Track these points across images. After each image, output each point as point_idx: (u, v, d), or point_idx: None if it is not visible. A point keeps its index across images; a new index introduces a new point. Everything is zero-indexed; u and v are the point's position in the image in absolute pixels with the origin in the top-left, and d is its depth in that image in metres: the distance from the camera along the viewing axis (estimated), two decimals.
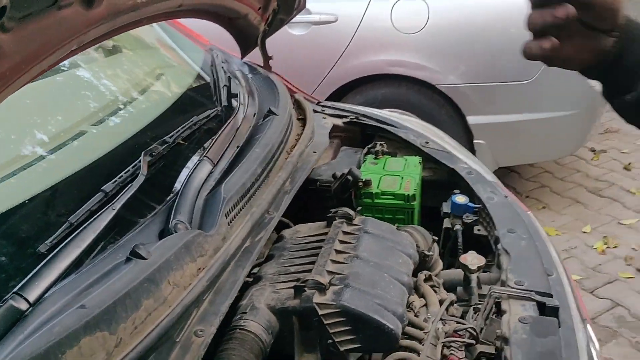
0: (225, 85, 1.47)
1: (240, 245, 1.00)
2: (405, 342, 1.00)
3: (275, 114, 1.36)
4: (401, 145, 1.66)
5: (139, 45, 1.66)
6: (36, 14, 0.70)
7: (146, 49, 1.70)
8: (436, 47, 2.83)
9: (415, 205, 1.42)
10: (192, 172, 1.07)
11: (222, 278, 0.94)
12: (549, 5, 0.66)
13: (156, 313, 0.80)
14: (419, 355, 0.97)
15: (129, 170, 1.04)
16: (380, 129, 1.69)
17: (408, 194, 1.41)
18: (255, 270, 1.07)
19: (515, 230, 1.23)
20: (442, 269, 1.29)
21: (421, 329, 1.03)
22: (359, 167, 1.55)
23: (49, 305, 0.74)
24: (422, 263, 1.22)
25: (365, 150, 1.63)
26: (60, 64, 0.93)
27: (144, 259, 0.85)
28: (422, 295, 1.14)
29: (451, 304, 1.13)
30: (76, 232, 0.87)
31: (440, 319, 1.06)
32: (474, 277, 1.19)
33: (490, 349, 0.99)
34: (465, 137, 2.90)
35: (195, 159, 1.16)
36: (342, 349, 0.94)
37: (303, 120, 1.54)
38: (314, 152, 1.44)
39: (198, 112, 1.33)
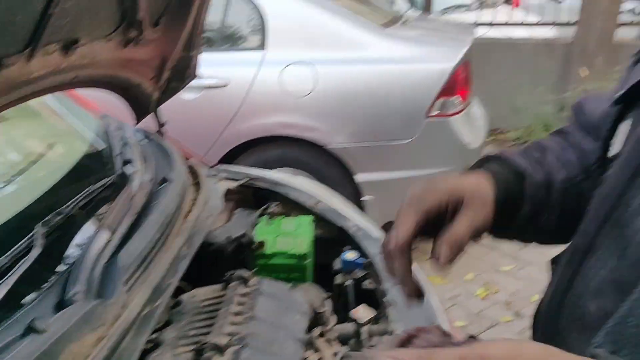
0: (119, 153, 1.50)
1: (140, 312, 1.02)
2: None
3: (171, 181, 1.40)
4: (294, 206, 1.74)
5: (29, 114, 1.65)
6: None
7: (37, 117, 1.69)
8: (324, 110, 2.99)
9: (308, 263, 1.50)
10: (89, 242, 1.08)
11: (122, 346, 0.95)
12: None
13: None
14: None
15: (23, 243, 1.04)
16: (273, 190, 1.77)
17: (301, 254, 1.48)
18: (154, 336, 1.09)
19: None
20: (336, 324, 1.36)
21: None
22: (253, 228, 1.61)
23: None
24: (316, 319, 1.28)
25: (259, 211, 1.69)
26: None
27: (41, 332, 0.85)
28: (316, 350, 1.20)
29: (344, 356, 1.19)
30: None
31: None
32: (364, 329, 1.27)
33: None
34: (354, 194, 3.04)
35: (92, 228, 1.17)
36: None
37: (197, 185, 1.58)
38: (209, 216, 1.48)
39: (93, 180, 1.35)
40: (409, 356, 0.48)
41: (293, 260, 1.49)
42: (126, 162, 1.51)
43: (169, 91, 1.72)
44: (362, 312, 1.28)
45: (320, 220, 1.67)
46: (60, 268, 1.06)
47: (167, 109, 1.82)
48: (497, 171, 0.74)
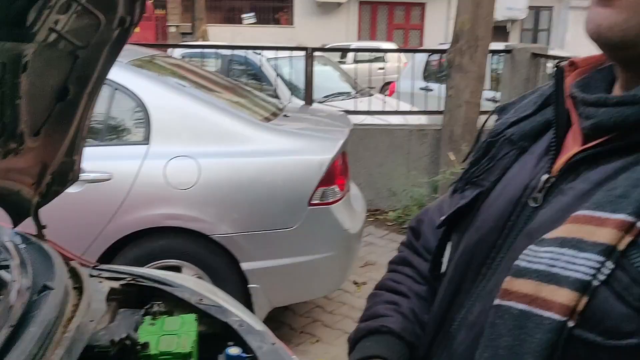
0: None
1: None
2: None
3: (51, 288, 1.40)
4: (178, 304, 1.77)
5: None
6: None
7: None
8: (208, 201, 3.06)
9: None
10: None
11: None
12: None
13: None
14: None
15: None
16: (156, 289, 1.80)
17: (185, 352, 1.52)
18: None
19: None
20: None
21: None
22: (137, 329, 1.62)
23: None
24: None
25: (143, 311, 1.71)
26: None
27: None
28: None
29: None
30: None
31: None
32: None
33: None
34: (241, 282, 3.09)
35: None
36: None
37: (79, 289, 1.59)
38: (91, 320, 1.49)
39: None
40: None
41: None
42: (2, 269, 1.49)
43: (49, 195, 1.74)
44: None
45: (204, 317, 1.72)
46: None
47: (47, 205, 1.82)
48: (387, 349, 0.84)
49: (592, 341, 0.57)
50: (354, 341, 0.88)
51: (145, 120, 3.09)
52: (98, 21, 1.16)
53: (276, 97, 6.13)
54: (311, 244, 3.18)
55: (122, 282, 1.82)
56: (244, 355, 1.58)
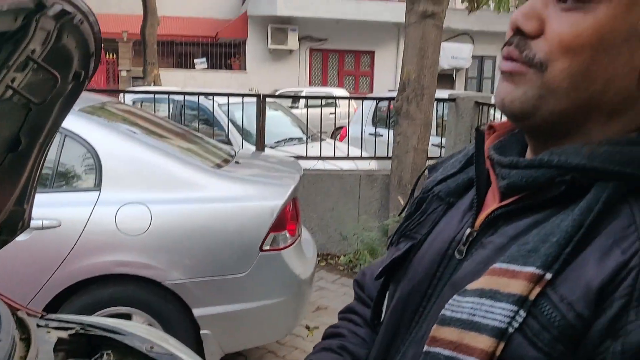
0: None
1: None
2: None
3: None
4: (128, 352, 1.77)
5: None
6: None
7: None
8: (160, 247, 3.06)
9: None
10: None
11: None
12: None
13: None
14: None
15: None
16: (106, 338, 1.79)
17: None
18: None
19: None
20: None
21: None
22: None
23: None
24: None
25: None
26: None
27: None
28: None
29: None
30: None
31: None
32: None
33: None
34: (192, 329, 3.08)
35: None
36: None
37: (27, 340, 1.58)
38: None
39: None
40: None
41: None
42: None
43: None
44: None
45: None
46: None
47: None
48: None
49: None
50: None
51: (97, 167, 3.10)
52: (54, 77, 1.20)
53: (228, 142, 6.19)
54: (262, 290, 3.20)
55: (70, 331, 1.81)
56: None
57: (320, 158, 6.01)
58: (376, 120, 8.19)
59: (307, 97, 9.42)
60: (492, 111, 5.89)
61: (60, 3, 1.07)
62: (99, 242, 3.02)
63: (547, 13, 0.69)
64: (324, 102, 7.76)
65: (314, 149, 6.26)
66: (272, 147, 6.50)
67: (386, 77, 19.95)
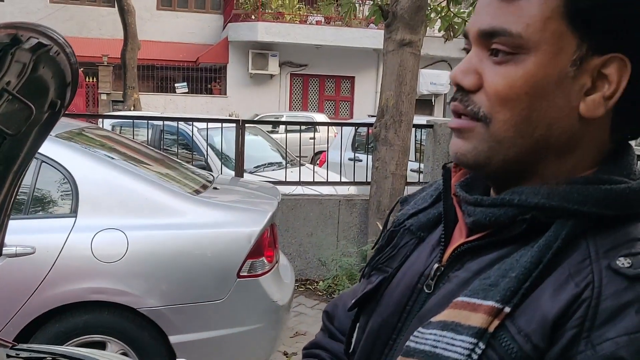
0: None
1: None
2: None
3: None
4: None
5: None
6: None
7: None
8: (136, 274, 3.04)
9: None
10: None
11: None
12: None
13: None
14: None
15: None
16: None
17: None
18: None
19: None
20: None
21: None
22: None
23: None
24: None
25: None
26: None
27: None
28: None
29: None
30: None
31: None
32: None
33: None
34: (168, 356, 3.05)
35: None
36: None
37: None
38: None
39: None
40: None
41: None
42: None
43: None
44: None
45: None
46: None
47: None
48: None
49: None
50: None
51: (73, 193, 3.08)
52: (29, 108, 1.21)
53: (207, 167, 6.18)
54: (240, 316, 3.18)
55: None
56: None
57: (299, 183, 6.02)
58: (355, 146, 8.24)
59: (285, 123, 9.47)
60: None
61: (36, 37, 1.08)
62: (74, 268, 2.99)
63: (483, 67, 0.72)
64: (303, 127, 7.80)
65: (293, 174, 6.27)
66: (251, 172, 6.51)
67: (366, 102, 20.13)
